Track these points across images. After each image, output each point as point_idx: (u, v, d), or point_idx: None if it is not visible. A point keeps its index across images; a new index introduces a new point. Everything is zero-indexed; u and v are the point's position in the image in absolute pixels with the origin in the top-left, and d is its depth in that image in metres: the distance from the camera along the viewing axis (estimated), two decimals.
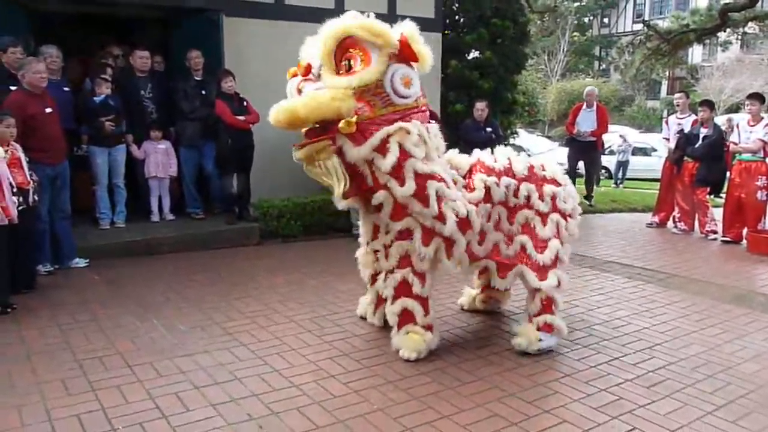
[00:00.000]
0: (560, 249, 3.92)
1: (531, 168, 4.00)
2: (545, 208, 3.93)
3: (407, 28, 3.54)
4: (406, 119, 3.56)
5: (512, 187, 3.88)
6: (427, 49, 3.58)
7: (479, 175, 3.85)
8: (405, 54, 3.52)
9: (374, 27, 3.45)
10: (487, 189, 3.81)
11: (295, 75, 3.72)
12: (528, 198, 3.91)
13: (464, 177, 3.90)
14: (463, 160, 3.99)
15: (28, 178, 4.85)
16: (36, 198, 4.97)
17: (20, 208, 4.67)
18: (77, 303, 4.74)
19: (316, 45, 3.55)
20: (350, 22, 3.47)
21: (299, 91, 3.61)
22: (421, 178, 3.54)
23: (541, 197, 3.93)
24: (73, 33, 7.98)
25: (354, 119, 3.43)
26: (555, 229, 3.92)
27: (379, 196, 3.61)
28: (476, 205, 3.75)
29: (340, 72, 3.50)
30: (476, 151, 4.08)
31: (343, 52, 3.49)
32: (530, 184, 3.93)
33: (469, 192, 3.79)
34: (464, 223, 3.70)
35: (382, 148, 3.49)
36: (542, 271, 3.88)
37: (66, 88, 6.31)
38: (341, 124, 3.41)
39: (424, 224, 3.63)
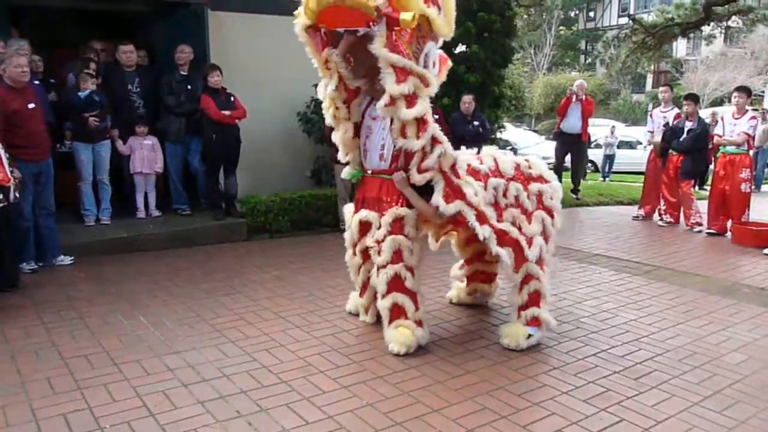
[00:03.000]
0: (544, 247, 3.90)
1: (518, 167, 4.00)
2: (531, 206, 3.93)
3: None
4: None
5: (501, 188, 3.86)
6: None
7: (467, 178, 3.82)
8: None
9: None
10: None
11: None
12: (517, 198, 3.89)
13: None
14: None
15: (9, 175, 4.75)
16: (17, 195, 4.88)
17: (1, 205, 4.61)
18: (62, 301, 4.69)
19: None
20: None
21: None
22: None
23: (528, 195, 3.93)
24: (55, 26, 7.88)
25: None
26: (540, 227, 3.91)
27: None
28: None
29: None
30: (462, 150, 4.06)
31: None
32: (518, 184, 3.92)
33: None
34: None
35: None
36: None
37: (36, 81, 6.14)
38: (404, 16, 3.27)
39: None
